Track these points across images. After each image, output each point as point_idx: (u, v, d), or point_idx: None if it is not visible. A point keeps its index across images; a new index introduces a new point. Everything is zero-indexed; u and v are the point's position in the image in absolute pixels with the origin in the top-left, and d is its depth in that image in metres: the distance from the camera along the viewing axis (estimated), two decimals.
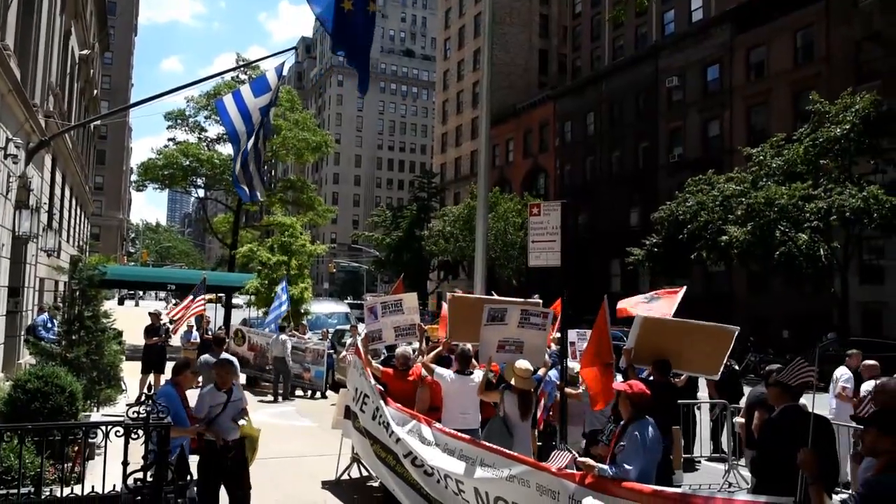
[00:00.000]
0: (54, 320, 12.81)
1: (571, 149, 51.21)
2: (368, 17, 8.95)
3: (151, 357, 14.88)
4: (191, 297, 17.58)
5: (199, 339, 16.83)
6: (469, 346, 7.79)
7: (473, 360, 7.79)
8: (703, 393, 11.64)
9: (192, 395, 6.70)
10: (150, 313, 16.04)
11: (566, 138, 52.23)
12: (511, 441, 6.35)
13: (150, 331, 15.11)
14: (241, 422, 6.67)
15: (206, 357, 10.77)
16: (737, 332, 7.21)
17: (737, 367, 10.50)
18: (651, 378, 7.55)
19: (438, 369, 7.67)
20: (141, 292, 79.21)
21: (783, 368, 5.31)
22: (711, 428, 10.91)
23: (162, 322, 16.31)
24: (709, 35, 39.66)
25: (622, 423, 5.27)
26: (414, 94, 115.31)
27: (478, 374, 7.59)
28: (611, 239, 43.60)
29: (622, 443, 5.07)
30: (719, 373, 7.46)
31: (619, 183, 45.44)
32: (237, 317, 28.69)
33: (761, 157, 26.23)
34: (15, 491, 5.19)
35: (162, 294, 73.35)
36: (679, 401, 8.89)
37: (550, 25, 66.05)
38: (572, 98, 51.50)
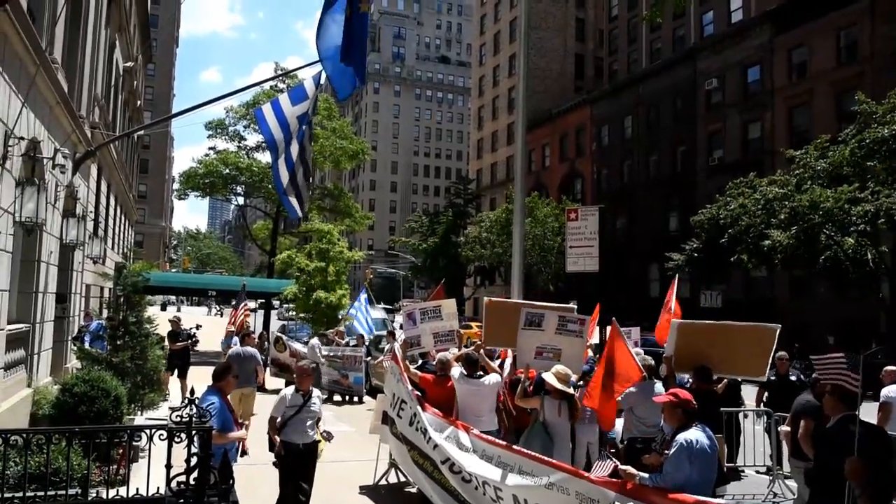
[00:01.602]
0: (107, 329, 13.09)
1: (608, 153, 50.79)
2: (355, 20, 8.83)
3: (176, 362, 14.94)
4: (235, 304, 18.04)
5: (239, 345, 17.07)
6: (473, 350, 7.81)
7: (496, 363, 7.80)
8: (750, 401, 11.37)
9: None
10: (170, 320, 16.10)
11: (603, 142, 51.80)
12: (552, 447, 6.29)
13: (173, 336, 15.09)
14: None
15: (235, 349, 11.98)
16: (778, 330, 7.01)
17: (794, 379, 10.02)
18: (691, 386, 7.42)
19: (453, 370, 7.70)
20: (183, 298, 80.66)
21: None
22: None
23: (184, 327, 16.51)
24: (748, 36, 38.99)
25: (673, 431, 5.17)
26: (449, 100, 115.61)
27: (489, 378, 7.55)
28: (649, 243, 43.11)
29: (668, 451, 4.97)
30: (766, 374, 7.27)
31: (657, 187, 44.92)
32: (277, 322, 29.07)
33: (805, 160, 25.65)
34: (63, 492, 5.30)
35: (172, 298, 74.16)
36: (722, 408, 8.72)
37: (586, 29, 65.66)
38: (609, 102, 51.09)
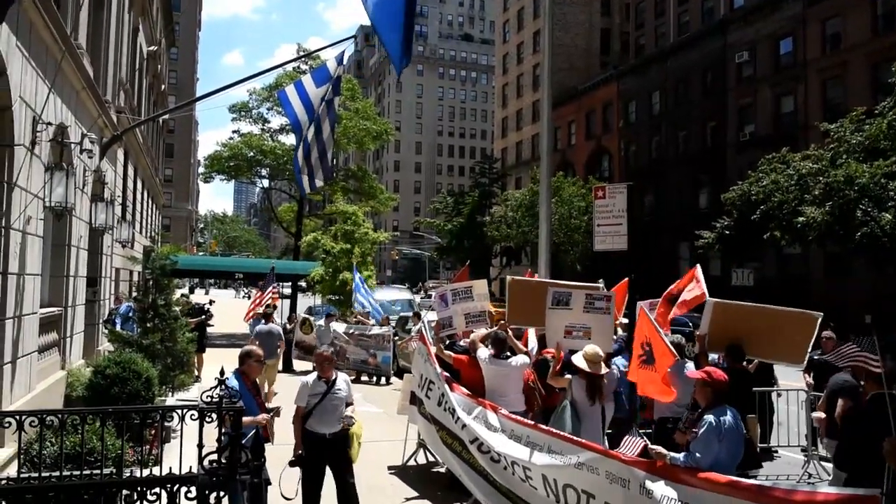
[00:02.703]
0: (136, 312, 13.34)
1: (636, 129, 50.18)
2: None
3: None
4: (262, 286, 18.34)
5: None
6: (500, 330, 7.81)
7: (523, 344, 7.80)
8: (785, 381, 11.24)
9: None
10: (181, 295, 16.24)
11: (630, 118, 51.19)
12: (579, 427, 6.30)
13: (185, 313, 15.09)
14: (349, 413, 6.60)
15: (261, 327, 13.98)
16: (820, 319, 6.85)
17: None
18: (723, 364, 7.35)
19: (479, 351, 7.71)
20: (211, 281, 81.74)
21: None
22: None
23: (194, 303, 16.73)
24: (780, 7, 38.06)
25: (699, 410, 5.15)
26: (473, 78, 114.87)
27: (516, 359, 7.55)
28: (679, 221, 42.65)
29: (696, 430, 4.96)
30: (805, 360, 7.15)
31: (686, 163, 44.32)
32: (302, 304, 29.28)
33: (840, 133, 25.07)
34: (98, 471, 5.43)
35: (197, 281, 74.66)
36: (755, 388, 8.63)
37: (612, 3, 64.62)
38: (636, 77, 50.36)
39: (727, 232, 30.97)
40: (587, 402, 6.51)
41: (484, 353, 7.65)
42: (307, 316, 19.89)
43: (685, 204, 43.66)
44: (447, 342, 9.14)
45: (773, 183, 26.94)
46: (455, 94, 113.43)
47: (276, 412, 6.22)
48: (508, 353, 7.62)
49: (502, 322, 8.37)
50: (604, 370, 6.59)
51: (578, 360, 6.57)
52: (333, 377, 6.61)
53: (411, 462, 9.29)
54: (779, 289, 30.57)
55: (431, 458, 9.25)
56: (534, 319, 7.79)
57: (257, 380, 6.78)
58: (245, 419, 5.65)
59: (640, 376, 6.37)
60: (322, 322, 17.49)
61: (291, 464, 6.42)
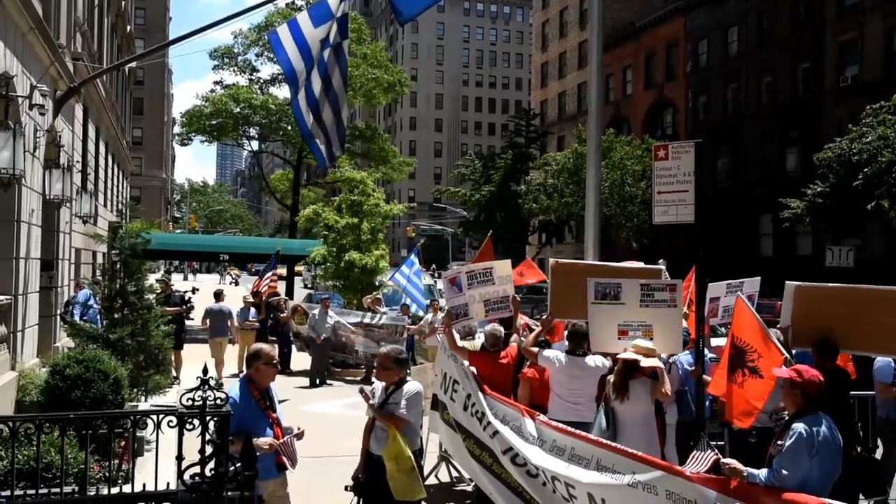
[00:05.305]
0: (97, 297, 13.54)
1: (707, 75, 49.60)
2: None
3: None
4: (262, 272, 18.87)
5: (258, 318, 17.60)
6: (582, 322, 7.78)
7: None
8: None
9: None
10: (157, 280, 16.34)
11: (700, 62, 50.60)
12: (606, 436, 6.31)
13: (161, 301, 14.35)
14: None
15: (210, 305, 16.69)
16: None
17: None
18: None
19: (546, 352, 7.71)
20: (196, 263, 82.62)
21: None
22: None
23: (175, 290, 17.12)
24: None
25: (786, 417, 5.11)
26: (506, 15, 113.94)
27: (593, 359, 7.57)
28: (760, 188, 42.28)
29: (781, 442, 4.92)
30: None
31: (770, 116, 43.78)
32: (300, 292, 29.47)
33: None
34: (58, 490, 5.52)
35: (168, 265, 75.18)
36: (853, 392, 8.53)
37: None
38: (709, 9, 49.65)
39: (821, 200, 30.57)
40: (625, 407, 6.51)
41: (554, 353, 7.68)
42: (301, 304, 20.09)
43: (768, 167, 43.24)
44: (478, 333, 9.21)
45: (882, 139, 26.55)
46: (484, 35, 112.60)
47: (297, 434, 5.90)
48: (584, 352, 7.63)
49: (547, 316, 8.38)
50: (647, 362, 6.52)
51: (626, 353, 6.57)
52: (394, 385, 6.42)
53: (432, 479, 9.36)
54: (886, 271, 30.16)
55: (456, 474, 9.34)
56: (583, 311, 7.78)
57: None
58: (259, 441, 5.48)
59: (746, 389, 6.05)
60: (317, 311, 17.70)
61: (347, 489, 6.44)
